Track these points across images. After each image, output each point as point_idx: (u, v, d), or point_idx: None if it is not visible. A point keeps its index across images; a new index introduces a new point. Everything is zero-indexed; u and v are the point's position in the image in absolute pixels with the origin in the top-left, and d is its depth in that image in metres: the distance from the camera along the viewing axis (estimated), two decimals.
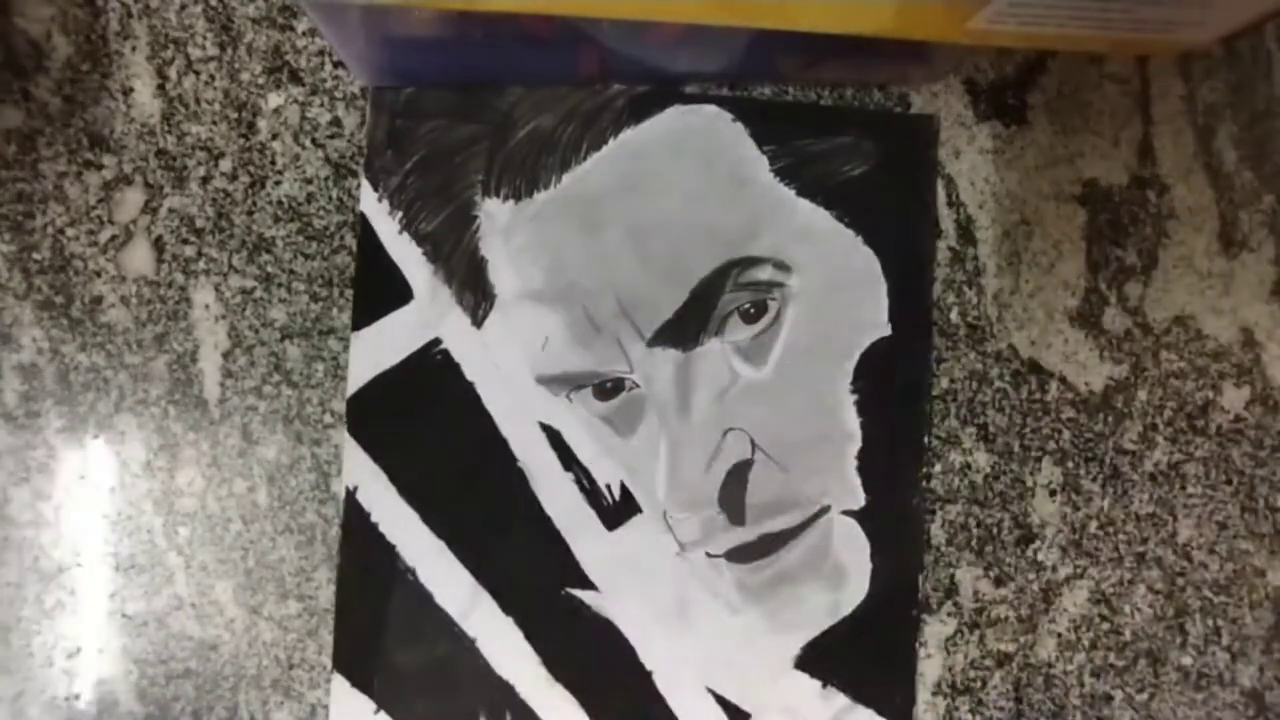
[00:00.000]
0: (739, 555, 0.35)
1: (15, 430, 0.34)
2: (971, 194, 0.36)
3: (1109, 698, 0.36)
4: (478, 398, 0.35)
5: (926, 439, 0.36)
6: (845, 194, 0.36)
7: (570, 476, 0.35)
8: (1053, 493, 0.36)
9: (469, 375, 0.35)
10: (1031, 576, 0.36)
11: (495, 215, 0.35)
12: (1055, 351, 0.36)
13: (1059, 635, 0.36)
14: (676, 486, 0.35)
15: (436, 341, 0.35)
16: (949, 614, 0.36)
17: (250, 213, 0.35)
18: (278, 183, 0.35)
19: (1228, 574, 0.37)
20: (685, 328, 0.35)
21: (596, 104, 0.35)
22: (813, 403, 0.35)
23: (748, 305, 0.35)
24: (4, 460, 0.34)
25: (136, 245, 0.34)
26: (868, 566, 0.35)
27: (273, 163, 0.35)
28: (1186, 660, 0.37)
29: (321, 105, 0.35)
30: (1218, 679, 0.37)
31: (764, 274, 0.35)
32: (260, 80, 0.35)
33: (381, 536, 0.34)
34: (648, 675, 0.35)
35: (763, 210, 0.35)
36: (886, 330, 0.36)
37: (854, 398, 0.35)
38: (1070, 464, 0.36)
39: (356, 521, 0.34)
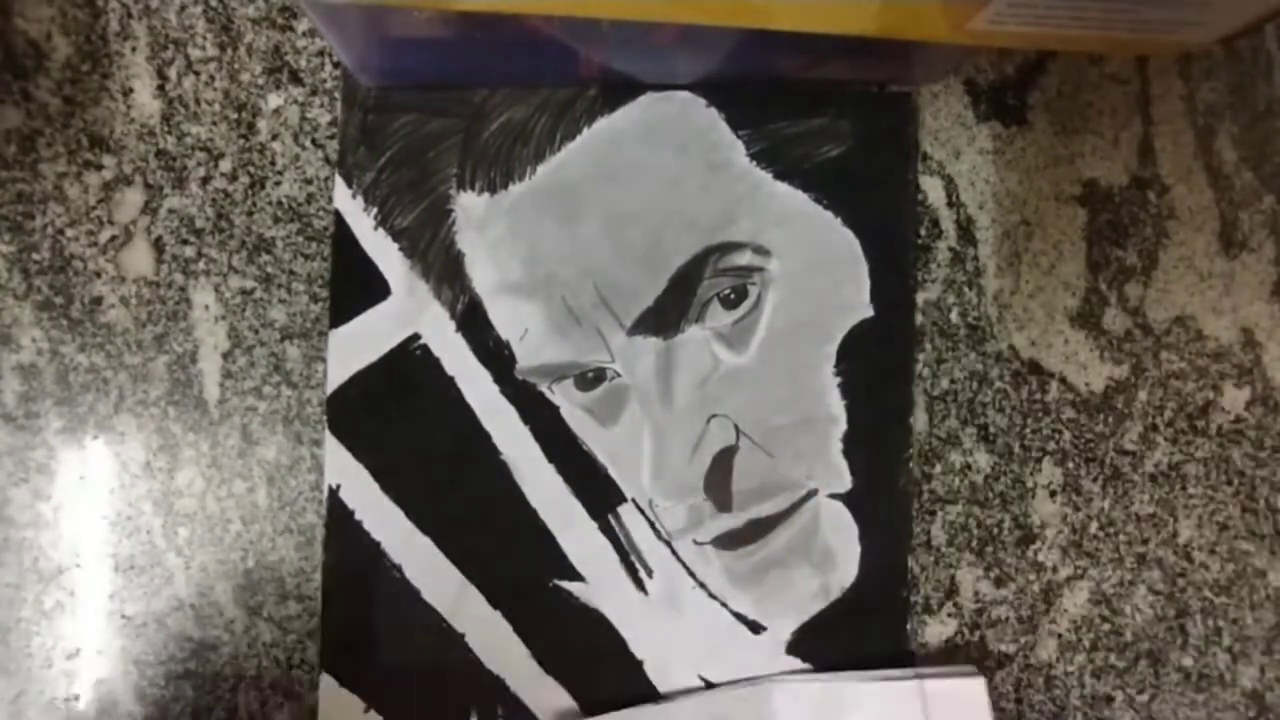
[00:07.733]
0: (726, 542, 0.35)
1: (15, 430, 0.34)
2: (971, 194, 0.36)
3: (1110, 699, 0.36)
4: (459, 392, 0.35)
5: (911, 419, 0.36)
6: (823, 175, 0.36)
7: (554, 468, 0.35)
8: (1053, 493, 0.36)
9: (449, 370, 0.35)
10: (1032, 577, 0.36)
11: (470, 208, 0.35)
12: (1055, 352, 0.36)
13: (1059, 636, 0.36)
14: (661, 475, 0.35)
15: (415, 337, 0.35)
16: (949, 615, 0.36)
17: (250, 213, 0.35)
18: (277, 183, 0.35)
19: (1228, 575, 0.37)
20: (665, 315, 0.35)
21: (569, 94, 0.35)
22: (796, 387, 0.35)
23: (728, 291, 0.35)
24: (3, 461, 0.34)
25: (136, 246, 0.34)
26: (856, 549, 0.35)
27: (272, 163, 0.35)
28: (1187, 661, 0.36)
29: (321, 105, 0.35)
30: (1219, 680, 0.36)
31: (743, 259, 0.35)
32: (260, 81, 0.35)
33: (366, 534, 0.34)
34: (639, 665, 0.35)
35: (740, 195, 0.35)
36: (869, 311, 0.36)
37: (837, 380, 0.35)
38: (1070, 464, 0.36)
39: (340, 520, 0.34)
